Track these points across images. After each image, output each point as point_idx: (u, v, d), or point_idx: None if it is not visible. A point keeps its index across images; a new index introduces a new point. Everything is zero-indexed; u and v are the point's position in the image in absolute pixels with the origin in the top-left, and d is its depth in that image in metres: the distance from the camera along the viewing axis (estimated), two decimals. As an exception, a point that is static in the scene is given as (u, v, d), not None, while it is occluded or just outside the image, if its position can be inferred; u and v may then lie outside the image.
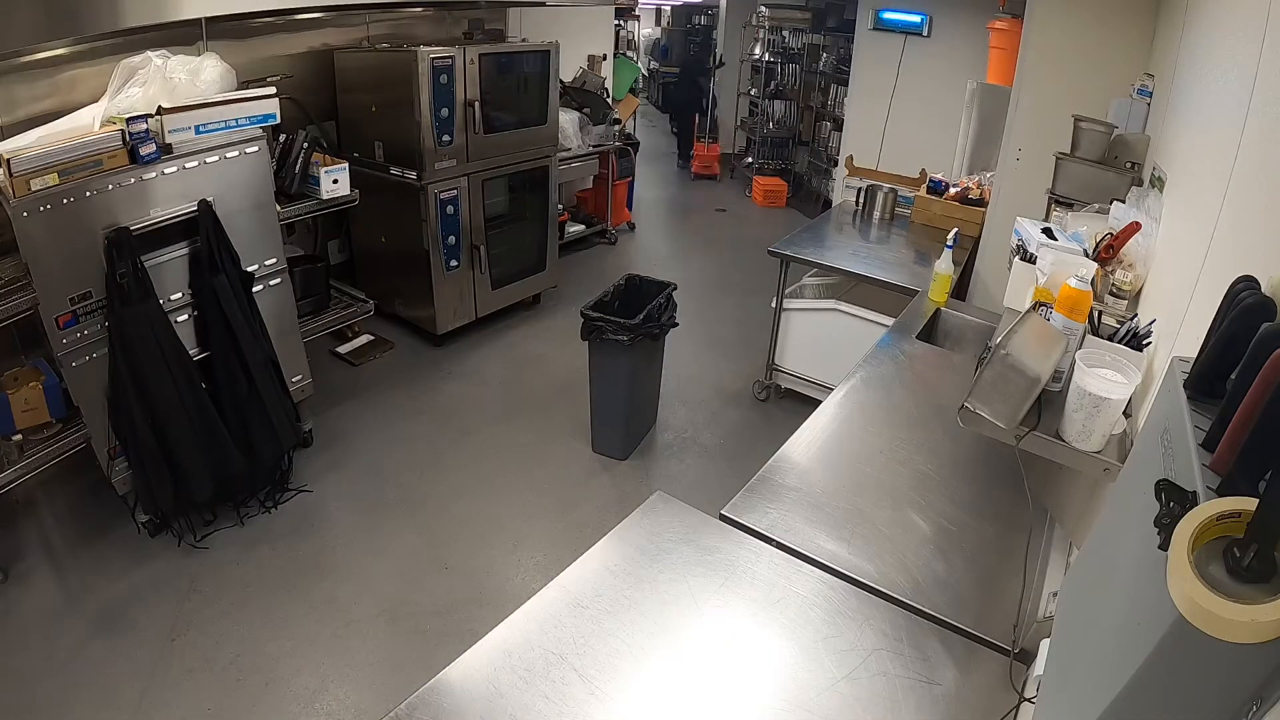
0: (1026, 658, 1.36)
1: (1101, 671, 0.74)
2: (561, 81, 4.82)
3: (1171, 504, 0.67)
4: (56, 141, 2.32)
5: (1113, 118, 2.71)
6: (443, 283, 4.14)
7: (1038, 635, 1.36)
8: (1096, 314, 1.59)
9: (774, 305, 3.80)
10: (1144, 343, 1.48)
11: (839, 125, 6.57)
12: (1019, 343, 1.50)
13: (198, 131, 2.60)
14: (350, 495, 3.15)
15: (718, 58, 8.38)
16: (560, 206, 4.96)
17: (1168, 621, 0.59)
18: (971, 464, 1.95)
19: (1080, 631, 0.93)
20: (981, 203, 3.76)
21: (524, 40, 4.75)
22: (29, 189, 2.22)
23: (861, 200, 4.26)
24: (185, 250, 2.66)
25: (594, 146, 5.51)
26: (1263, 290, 0.85)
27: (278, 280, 2.99)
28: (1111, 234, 1.94)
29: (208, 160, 2.63)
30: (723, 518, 1.72)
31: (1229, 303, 0.88)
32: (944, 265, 2.89)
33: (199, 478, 2.69)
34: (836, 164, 6.19)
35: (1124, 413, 1.42)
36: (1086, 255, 1.94)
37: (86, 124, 2.50)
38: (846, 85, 6.32)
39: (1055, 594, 1.43)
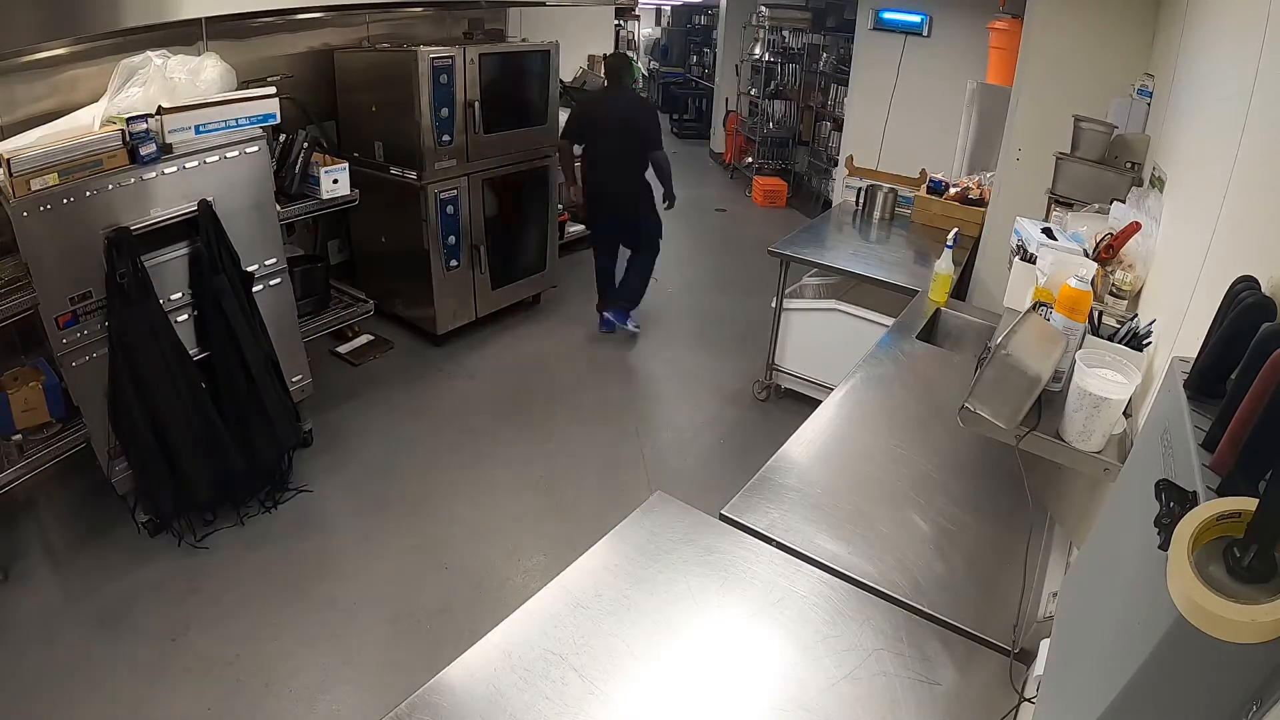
0: (1026, 658, 1.36)
1: (1101, 671, 0.74)
2: (561, 81, 4.81)
3: (1171, 504, 0.67)
4: (56, 141, 2.32)
5: (1113, 118, 2.70)
6: (443, 283, 4.14)
7: (1038, 635, 1.36)
8: (1096, 314, 1.59)
9: (774, 305, 3.80)
10: (1144, 343, 1.48)
11: (839, 125, 6.57)
12: (1019, 343, 1.50)
13: (198, 131, 2.60)
14: (350, 495, 3.15)
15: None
16: (560, 206, 4.95)
17: (1168, 621, 0.59)
18: (971, 464, 1.95)
19: (1080, 631, 0.93)
20: (981, 203, 3.76)
21: (524, 40, 4.75)
22: (29, 189, 2.22)
23: (861, 200, 4.26)
24: (185, 250, 2.66)
25: (594, 146, 5.50)
26: (1263, 290, 0.85)
27: (278, 280, 2.99)
28: (1111, 234, 1.94)
29: (208, 160, 2.64)
30: (723, 518, 1.72)
31: (1229, 303, 0.88)
32: (944, 265, 2.89)
33: (199, 477, 2.69)
34: (836, 164, 6.19)
35: (1124, 413, 1.42)
36: (1086, 255, 1.94)
37: (86, 124, 2.50)
38: (846, 85, 6.31)
39: (1055, 594, 1.43)
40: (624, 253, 4.59)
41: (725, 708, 1.29)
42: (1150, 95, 2.64)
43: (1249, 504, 0.59)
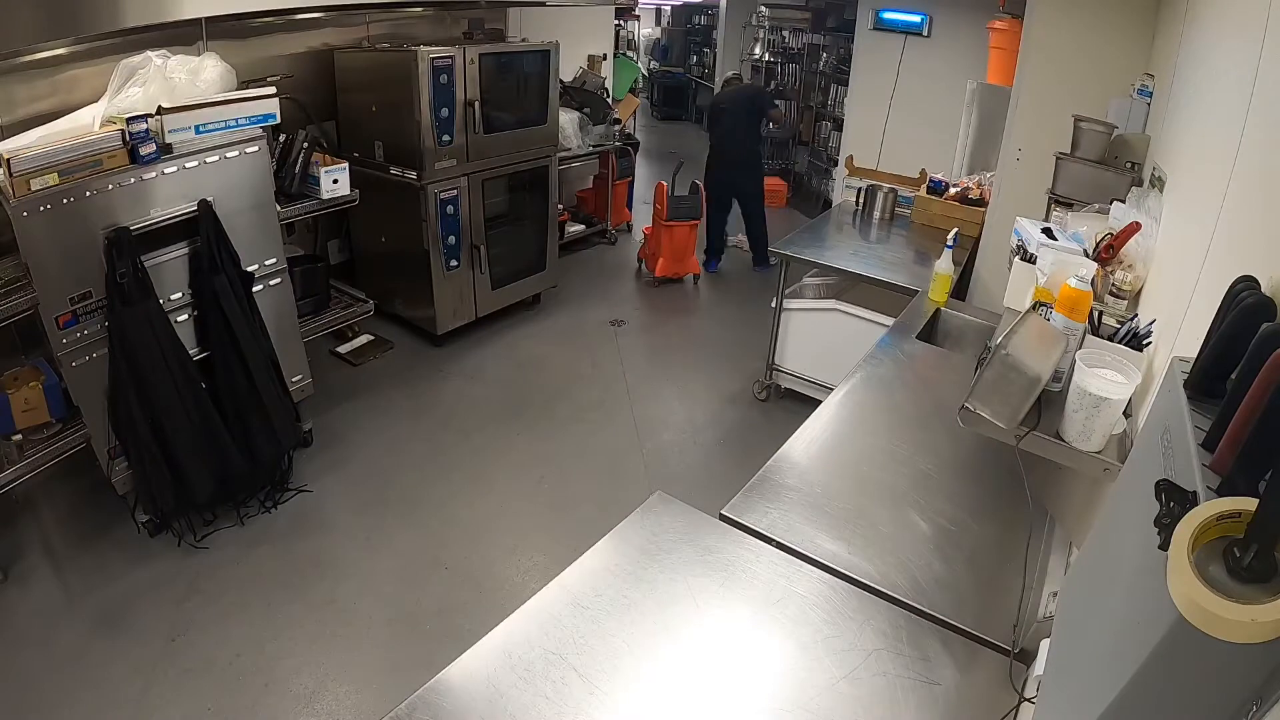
0: (1026, 658, 1.36)
1: (1101, 671, 0.74)
2: (561, 81, 4.81)
3: (1171, 504, 0.67)
4: (56, 141, 2.32)
5: (1113, 118, 2.70)
6: (443, 283, 4.14)
7: (1038, 635, 1.36)
8: (1096, 314, 1.59)
9: (774, 305, 3.80)
10: (1144, 343, 1.48)
11: (839, 125, 6.57)
12: (1019, 343, 1.50)
13: (198, 131, 2.60)
14: (350, 495, 3.15)
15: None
16: (560, 206, 4.95)
17: (1168, 621, 0.59)
18: (971, 464, 1.95)
19: (1080, 631, 0.93)
20: (981, 203, 3.76)
21: (524, 40, 4.75)
22: (29, 189, 2.22)
23: (861, 200, 4.26)
24: (185, 250, 2.66)
25: (594, 146, 5.52)
26: (1263, 290, 0.85)
27: (278, 280, 2.99)
28: (1111, 234, 1.94)
29: (208, 160, 2.63)
30: (723, 518, 1.72)
31: (1229, 303, 0.88)
32: (944, 265, 2.89)
33: (199, 478, 2.69)
34: (836, 164, 6.19)
35: (1124, 413, 1.42)
36: (1086, 255, 1.94)
37: (86, 124, 2.50)
38: (846, 85, 6.32)
39: (1055, 594, 1.43)
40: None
41: (725, 708, 1.29)
42: (1150, 95, 2.64)
43: (1249, 504, 0.59)
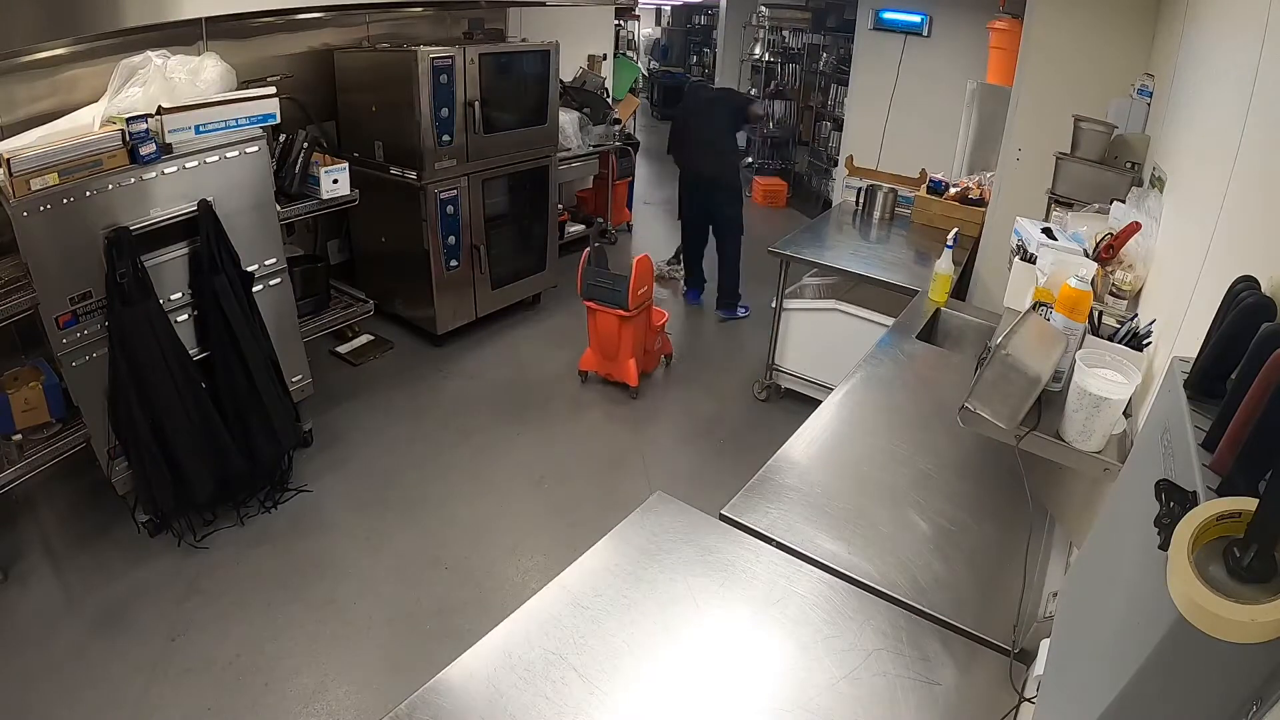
0: (1026, 658, 1.36)
1: (1101, 671, 0.74)
2: (561, 81, 4.81)
3: (1171, 504, 0.67)
4: (56, 141, 2.32)
5: (1113, 118, 2.71)
6: (443, 283, 4.14)
7: (1038, 635, 1.36)
8: (1096, 314, 1.59)
9: (774, 305, 3.80)
10: (1144, 343, 1.48)
11: (839, 125, 6.57)
12: (1019, 343, 1.50)
13: (198, 131, 2.60)
14: (350, 495, 3.14)
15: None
16: (560, 206, 4.95)
17: (1168, 621, 0.59)
18: (971, 464, 1.95)
19: (1080, 631, 0.93)
20: (981, 203, 3.76)
21: (524, 40, 4.75)
22: (29, 189, 2.22)
23: (861, 200, 4.26)
24: (185, 250, 2.66)
25: (594, 146, 5.52)
26: (1263, 290, 0.85)
27: (278, 280, 2.99)
28: (1111, 234, 1.94)
29: (208, 160, 2.63)
30: (723, 518, 1.72)
31: (1229, 303, 0.88)
32: (944, 265, 2.89)
33: (199, 478, 2.69)
34: (836, 164, 6.19)
35: (1124, 413, 1.42)
36: (1086, 255, 1.94)
37: (86, 124, 2.50)
38: (846, 85, 6.32)
39: (1055, 594, 1.43)
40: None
41: (725, 708, 1.29)
42: (1150, 95, 2.64)
43: (1249, 504, 0.59)
